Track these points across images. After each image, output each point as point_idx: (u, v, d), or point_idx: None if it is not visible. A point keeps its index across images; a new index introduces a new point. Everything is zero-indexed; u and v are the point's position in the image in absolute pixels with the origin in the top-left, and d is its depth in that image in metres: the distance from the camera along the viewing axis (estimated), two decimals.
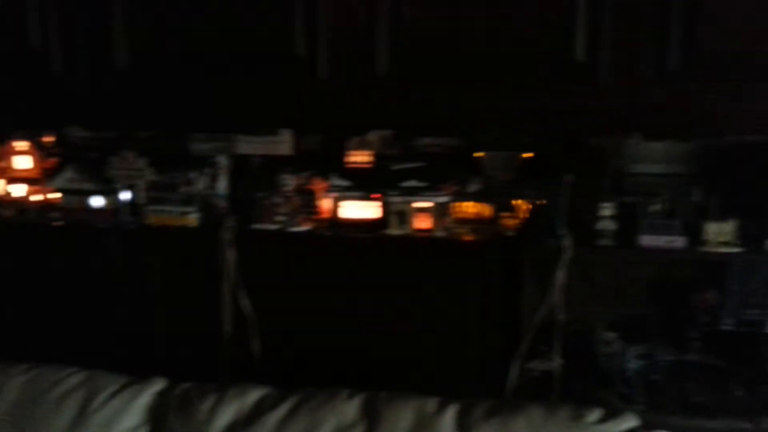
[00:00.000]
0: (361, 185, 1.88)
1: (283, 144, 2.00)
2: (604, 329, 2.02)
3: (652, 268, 2.11)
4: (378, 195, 1.87)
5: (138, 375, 1.74)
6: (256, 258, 1.88)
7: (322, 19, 1.73)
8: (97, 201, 1.94)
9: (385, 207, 1.87)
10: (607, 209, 1.74)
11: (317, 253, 1.89)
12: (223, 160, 1.98)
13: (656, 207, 1.70)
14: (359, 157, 1.95)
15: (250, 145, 2.02)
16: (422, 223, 1.86)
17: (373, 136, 2.00)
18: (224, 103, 1.84)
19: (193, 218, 1.91)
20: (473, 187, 1.90)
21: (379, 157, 1.97)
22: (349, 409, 1.59)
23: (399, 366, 1.87)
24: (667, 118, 1.67)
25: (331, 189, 1.89)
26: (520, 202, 1.89)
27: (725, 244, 1.67)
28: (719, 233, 1.67)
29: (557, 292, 1.76)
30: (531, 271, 1.82)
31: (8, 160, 2.05)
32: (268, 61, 1.78)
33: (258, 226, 1.90)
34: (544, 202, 1.82)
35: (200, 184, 1.94)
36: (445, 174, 1.92)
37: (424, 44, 1.69)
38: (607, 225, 1.74)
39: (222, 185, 1.97)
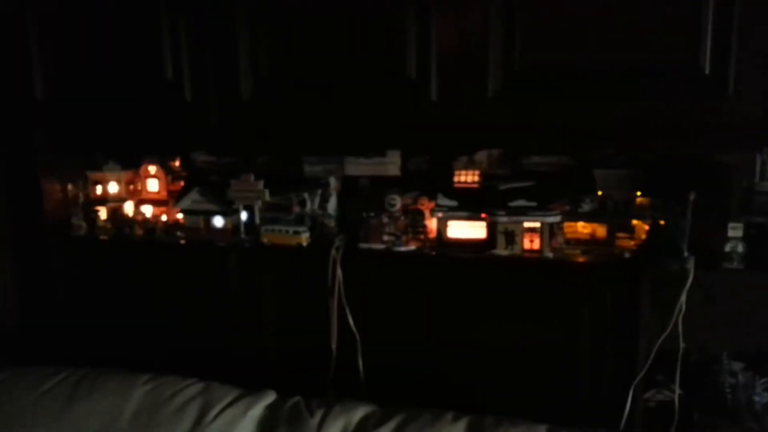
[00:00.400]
0: (468, 205, 1.86)
1: (390, 165, 2.02)
2: (730, 359, 1.86)
3: None
4: (485, 215, 1.83)
5: (250, 388, 1.80)
6: (362, 277, 1.90)
7: (435, 41, 1.72)
8: (218, 221, 2.04)
9: (492, 227, 1.83)
10: (735, 230, 1.60)
11: (423, 273, 1.88)
12: (333, 181, 2.02)
13: None
14: (466, 177, 1.92)
15: (358, 167, 2.06)
16: (530, 243, 1.80)
17: (480, 155, 1.98)
18: (336, 126, 1.88)
19: (304, 237, 1.96)
20: (586, 207, 1.82)
21: (486, 176, 1.93)
22: (455, 431, 1.56)
23: (505, 391, 1.82)
24: None
25: (437, 209, 1.87)
26: (638, 222, 1.79)
27: None
28: None
29: (676, 319, 1.63)
30: (650, 296, 1.70)
31: (141, 182, 2.21)
32: (380, 85, 1.80)
33: (365, 245, 1.92)
34: (664, 222, 1.70)
35: (311, 205, 2.00)
36: (555, 193, 1.85)
37: (536, 63, 1.65)
38: (736, 246, 1.61)
39: (332, 206, 2.01)
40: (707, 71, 1.51)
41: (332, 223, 1.98)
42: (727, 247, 1.61)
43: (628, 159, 1.86)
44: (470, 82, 1.69)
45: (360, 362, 1.91)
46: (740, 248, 1.61)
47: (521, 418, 1.64)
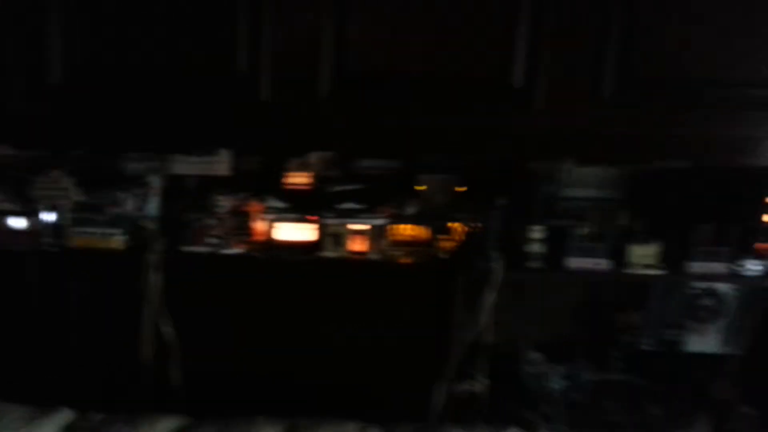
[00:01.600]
0: (298, 207, 1.80)
1: (220, 164, 1.89)
2: (530, 350, 2.00)
3: (579, 289, 2.11)
4: (314, 217, 1.79)
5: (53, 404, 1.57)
6: (185, 282, 1.75)
7: (266, 40, 1.64)
8: (16, 222, 1.76)
9: (321, 229, 1.79)
10: (536, 232, 1.72)
11: (250, 276, 1.79)
12: (155, 180, 1.85)
13: (584, 230, 1.69)
14: (298, 179, 1.86)
15: (186, 165, 1.90)
16: (357, 245, 1.79)
17: (313, 157, 1.93)
18: (160, 121, 1.71)
19: (118, 240, 1.76)
20: (410, 210, 1.85)
21: (318, 179, 1.89)
22: None
23: (330, 390, 1.80)
24: (599, 143, 1.67)
25: (267, 211, 1.79)
26: (456, 225, 1.86)
27: (648, 266, 1.69)
28: (643, 256, 1.69)
29: (486, 315, 1.72)
30: (464, 294, 1.77)
31: None
32: (209, 82, 1.67)
33: (188, 248, 1.78)
34: (479, 225, 1.78)
35: (129, 205, 1.80)
36: (383, 197, 1.86)
37: (367, 67, 1.64)
38: (537, 248, 1.73)
39: (152, 206, 1.84)
40: (517, 85, 1.60)
41: (151, 225, 1.81)
42: (530, 248, 1.72)
43: (450, 165, 1.93)
44: (301, 82, 1.64)
45: (175, 373, 1.76)
46: (541, 249, 1.72)
47: (341, 417, 1.61)
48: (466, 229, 1.83)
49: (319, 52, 1.62)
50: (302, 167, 1.88)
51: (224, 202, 1.79)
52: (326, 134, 1.70)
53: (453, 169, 1.90)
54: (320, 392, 1.78)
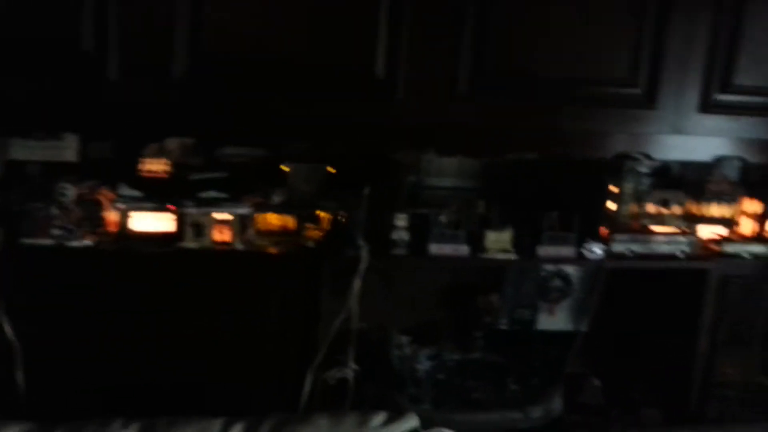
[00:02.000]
0: (155, 196, 1.69)
1: (66, 150, 1.74)
2: (398, 334, 2.04)
3: (445, 274, 2.18)
4: (172, 206, 1.69)
5: None
6: (26, 278, 1.60)
7: (114, 17, 1.51)
8: None
9: (181, 219, 1.70)
10: (401, 220, 1.74)
11: (101, 270, 1.66)
12: None
13: (444, 218, 1.74)
14: (154, 166, 1.75)
15: (27, 150, 1.72)
16: (221, 235, 1.72)
17: (171, 143, 1.82)
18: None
19: None
20: (276, 199, 1.81)
21: (177, 166, 1.79)
22: None
23: (196, 388, 1.72)
24: (456, 135, 1.72)
25: (119, 199, 1.66)
26: (323, 213, 1.84)
27: (503, 251, 1.76)
28: (498, 242, 1.76)
29: (353, 302, 1.72)
30: (332, 282, 1.76)
31: None
32: (53, 58, 1.52)
33: (29, 240, 1.62)
34: (346, 213, 1.78)
35: None
36: (248, 185, 1.80)
37: (224, 50, 1.56)
38: (401, 235, 1.75)
39: None
40: (381, 75, 1.60)
41: None
42: (395, 236, 1.74)
43: (319, 154, 1.91)
44: (153, 63, 1.53)
45: (19, 375, 1.61)
46: (405, 236, 1.75)
47: (210, 414, 1.55)
48: (333, 217, 1.82)
49: (173, 33, 1.53)
50: (159, 154, 1.77)
51: (70, 191, 1.64)
52: (182, 119, 1.61)
53: (319, 157, 1.87)
54: (185, 390, 1.70)
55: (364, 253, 1.72)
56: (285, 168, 1.84)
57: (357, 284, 1.74)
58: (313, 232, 1.83)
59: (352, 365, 1.89)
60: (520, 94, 1.69)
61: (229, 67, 1.60)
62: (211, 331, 1.73)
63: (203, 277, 1.71)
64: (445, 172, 1.94)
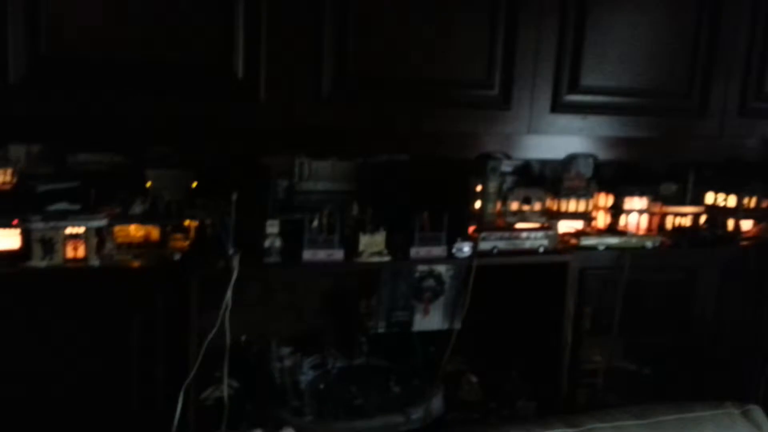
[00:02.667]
0: None
1: None
2: (279, 345, 1.98)
3: (326, 280, 2.16)
4: (16, 221, 1.54)
5: None
6: None
7: None
8: None
9: (26, 235, 1.55)
10: (272, 227, 1.69)
11: None
12: None
13: (316, 223, 1.71)
14: None
15: None
16: (74, 251, 1.59)
17: (16, 150, 1.66)
18: None
19: None
20: (138, 209, 1.70)
21: (23, 176, 1.64)
22: None
23: (56, 413, 1.56)
24: (322, 137, 1.71)
25: None
26: (190, 222, 1.75)
27: (377, 254, 1.76)
28: (371, 244, 1.76)
29: (226, 314, 1.65)
30: (202, 295, 1.67)
31: None
32: None
33: None
34: (214, 222, 1.70)
35: None
36: (105, 194, 1.68)
37: (69, 47, 1.45)
38: (274, 242, 1.70)
39: None
40: (240, 75, 1.55)
41: None
42: (267, 243, 1.69)
43: (183, 159, 1.82)
44: None
45: None
46: (278, 243, 1.70)
47: None
48: (201, 226, 1.74)
49: (6, 35, 1.40)
50: (2, 163, 1.61)
51: None
52: (25, 124, 1.48)
53: (184, 163, 1.79)
54: (44, 420, 1.55)
55: (235, 263, 1.65)
56: (146, 175, 1.74)
57: (229, 296, 1.66)
58: (179, 243, 1.74)
59: (230, 382, 1.81)
60: (384, 96, 1.71)
61: (72, 68, 1.48)
62: (70, 357, 1.58)
63: (55, 298, 1.56)
64: (319, 175, 1.92)
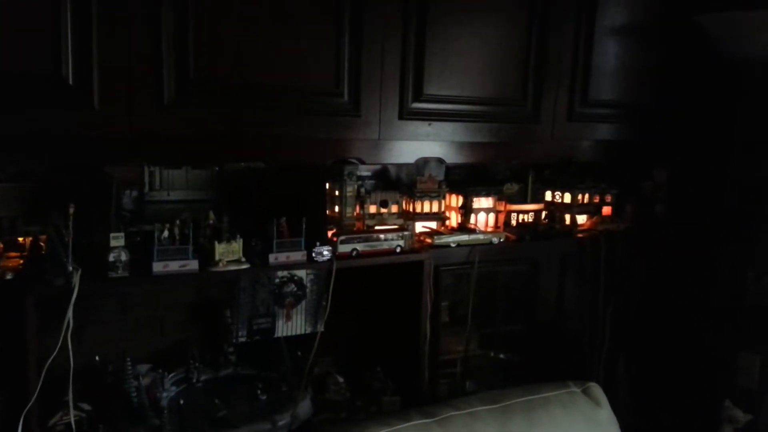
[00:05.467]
0: None
1: None
2: (135, 363, 1.84)
3: (189, 291, 2.04)
4: None
5: None
6: None
7: None
8: None
9: None
10: (117, 239, 1.56)
11: None
12: None
13: (167, 233, 1.60)
14: None
15: None
16: None
17: None
18: None
19: None
20: None
21: None
22: None
23: None
24: (167, 145, 1.60)
25: None
26: (24, 239, 1.57)
27: (235, 262, 1.68)
28: (228, 252, 1.68)
29: (67, 335, 1.49)
30: (39, 315, 1.50)
31: None
32: None
33: None
34: (47, 236, 1.53)
35: None
36: None
37: None
38: (120, 255, 1.57)
39: None
40: (71, 81, 1.42)
41: None
42: (111, 257, 1.56)
43: (18, 171, 1.63)
44: None
45: None
46: (124, 256, 1.57)
47: None
48: (36, 242, 1.57)
49: None
50: None
51: None
52: None
53: (17, 175, 1.60)
54: None
55: (76, 280, 1.50)
56: None
57: (69, 315, 1.50)
58: (12, 261, 1.55)
59: (80, 405, 1.65)
60: (231, 103, 1.64)
61: None
62: None
63: None
64: (173, 184, 1.81)
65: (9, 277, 1.51)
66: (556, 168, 2.47)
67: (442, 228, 2.12)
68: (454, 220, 2.19)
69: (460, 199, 2.19)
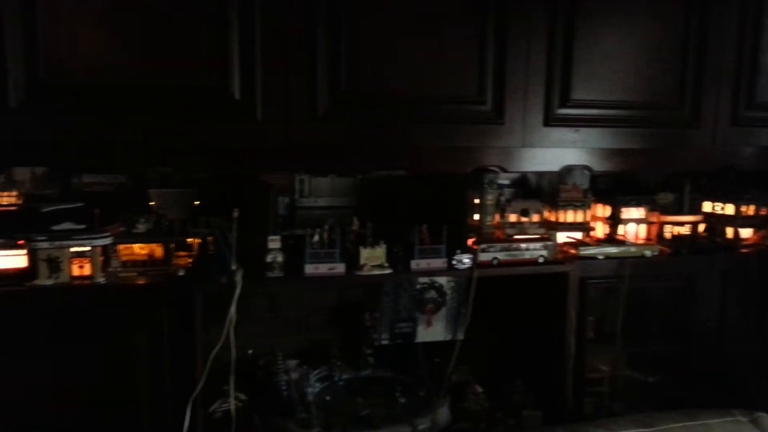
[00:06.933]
0: (2, 230, 1.49)
1: None
2: (285, 358, 1.91)
3: (330, 294, 2.10)
4: (22, 241, 1.49)
5: None
6: None
7: None
8: None
9: (33, 254, 1.50)
10: (274, 242, 1.64)
11: None
12: None
13: (317, 237, 1.65)
14: (2, 198, 1.55)
15: None
16: (80, 269, 1.54)
17: (21, 173, 1.63)
18: None
19: None
20: (142, 227, 1.65)
21: (29, 197, 1.60)
22: None
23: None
24: (320, 155, 1.66)
25: None
26: (193, 240, 1.70)
27: (378, 267, 1.70)
28: (372, 258, 1.70)
29: (230, 329, 1.58)
30: (207, 310, 1.61)
31: None
32: None
33: None
34: (217, 238, 1.65)
35: None
36: (109, 214, 1.63)
37: (66, 73, 1.42)
38: (276, 257, 1.65)
39: None
40: (237, 96, 1.51)
41: None
42: (269, 258, 1.64)
43: (185, 178, 1.78)
44: None
45: None
46: (280, 258, 1.65)
47: None
48: (203, 243, 1.69)
49: (5, 62, 1.38)
50: (8, 185, 1.57)
51: None
52: (27, 148, 1.44)
53: (187, 182, 1.75)
54: None
55: (238, 278, 1.59)
56: (150, 195, 1.70)
57: (232, 311, 1.60)
58: (183, 260, 1.69)
59: (237, 395, 1.74)
60: (378, 113, 1.67)
61: (70, 93, 1.46)
62: (78, 373, 1.53)
63: (63, 316, 1.51)
64: (319, 191, 1.87)
65: (181, 273, 1.64)
66: (715, 176, 2.22)
67: (587, 239, 1.99)
68: (599, 230, 2.04)
69: (607, 209, 2.04)
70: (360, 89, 1.65)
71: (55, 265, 1.52)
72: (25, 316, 1.49)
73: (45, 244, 1.51)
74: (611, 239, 2.00)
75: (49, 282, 1.51)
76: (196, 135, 1.56)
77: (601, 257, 1.92)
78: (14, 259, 1.51)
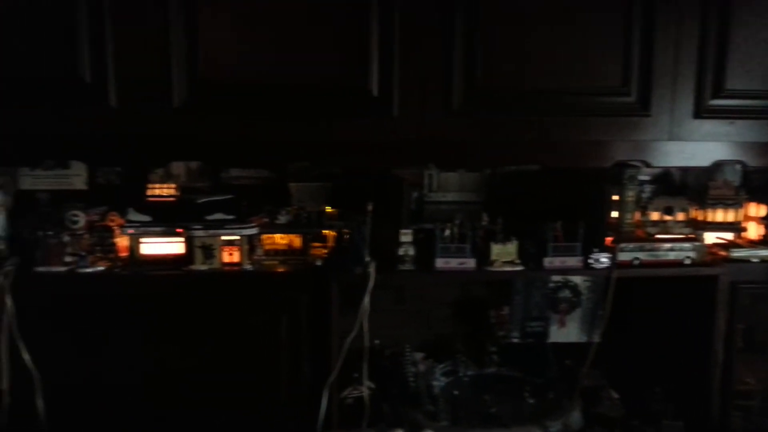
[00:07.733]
0: (163, 220, 1.63)
1: (75, 178, 1.69)
2: (413, 350, 1.92)
3: (455, 289, 2.08)
4: (181, 229, 1.61)
5: None
6: (41, 305, 1.52)
7: (112, 43, 1.48)
8: None
9: (190, 242, 1.62)
10: (406, 236, 1.65)
11: (114, 295, 1.58)
12: (1, 196, 1.60)
13: (448, 232, 1.64)
14: (162, 191, 1.69)
15: (35, 180, 1.68)
16: (230, 256, 1.64)
17: (177, 168, 1.76)
18: (5, 133, 1.49)
19: None
20: (283, 219, 1.73)
21: (185, 190, 1.73)
22: None
23: (210, 408, 1.61)
24: (453, 150, 1.65)
25: (128, 225, 1.60)
26: (329, 231, 1.75)
27: (509, 263, 1.66)
28: (503, 254, 1.66)
29: (364, 319, 1.61)
30: (341, 299, 1.66)
31: None
32: (55, 91, 1.48)
33: (43, 268, 1.55)
34: (348, 231, 1.69)
35: None
36: (254, 206, 1.73)
37: (223, 74, 1.52)
38: (408, 250, 1.66)
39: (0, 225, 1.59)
40: (375, 93, 1.54)
41: (1, 245, 1.56)
42: (401, 251, 1.65)
43: (321, 173, 1.84)
44: (153, 91, 1.49)
45: (39, 403, 1.52)
46: (411, 251, 1.66)
47: None
48: (339, 235, 1.74)
49: (170, 63, 1.50)
50: (166, 178, 1.71)
51: (81, 218, 1.58)
52: (184, 143, 1.56)
53: (323, 176, 1.80)
54: (198, 412, 1.60)
55: (372, 270, 1.62)
56: (290, 188, 1.77)
57: (366, 301, 1.64)
58: (319, 251, 1.75)
59: (368, 383, 1.77)
60: (514, 107, 1.63)
61: (226, 93, 1.56)
62: (223, 353, 1.64)
63: (214, 298, 1.62)
64: (448, 186, 1.87)
65: (318, 263, 1.70)
66: None
67: (739, 240, 1.81)
68: (753, 231, 1.86)
69: (762, 209, 1.85)
70: (496, 83, 1.62)
71: (209, 251, 1.63)
72: (184, 297, 1.62)
73: (200, 233, 1.63)
74: (766, 241, 1.81)
75: (204, 267, 1.63)
76: (336, 132, 1.60)
77: (755, 260, 1.74)
78: (174, 246, 1.64)
